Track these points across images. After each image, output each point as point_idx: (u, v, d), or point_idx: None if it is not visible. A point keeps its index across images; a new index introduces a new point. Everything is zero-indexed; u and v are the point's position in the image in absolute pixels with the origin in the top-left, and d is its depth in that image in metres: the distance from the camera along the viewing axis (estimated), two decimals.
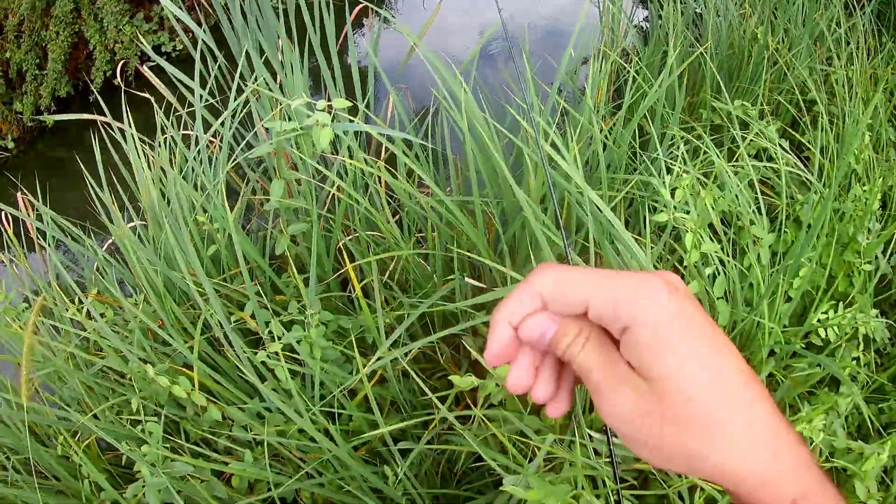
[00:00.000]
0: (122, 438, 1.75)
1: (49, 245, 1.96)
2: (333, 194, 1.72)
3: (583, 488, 1.42)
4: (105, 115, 2.08)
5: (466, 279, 1.33)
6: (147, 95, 2.30)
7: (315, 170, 1.58)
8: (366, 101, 1.86)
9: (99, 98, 2.18)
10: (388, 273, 1.63)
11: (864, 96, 2.45)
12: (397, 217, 1.72)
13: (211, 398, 1.74)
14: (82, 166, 2.19)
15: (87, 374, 1.93)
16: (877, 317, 1.92)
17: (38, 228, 2.09)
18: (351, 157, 1.58)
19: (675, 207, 1.37)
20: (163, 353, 1.87)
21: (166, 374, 1.68)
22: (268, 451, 1.66)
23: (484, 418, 1.24)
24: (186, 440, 1.77)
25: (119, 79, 2.68)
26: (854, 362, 1.85)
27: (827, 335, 1.75)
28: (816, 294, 1.75)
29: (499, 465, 1.21)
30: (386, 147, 1.85)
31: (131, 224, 2.11)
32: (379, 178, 1.59)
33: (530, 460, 1.24)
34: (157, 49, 3.64)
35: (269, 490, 1.53)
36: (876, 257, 2.03)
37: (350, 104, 1.32)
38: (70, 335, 1.98)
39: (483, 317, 1.30)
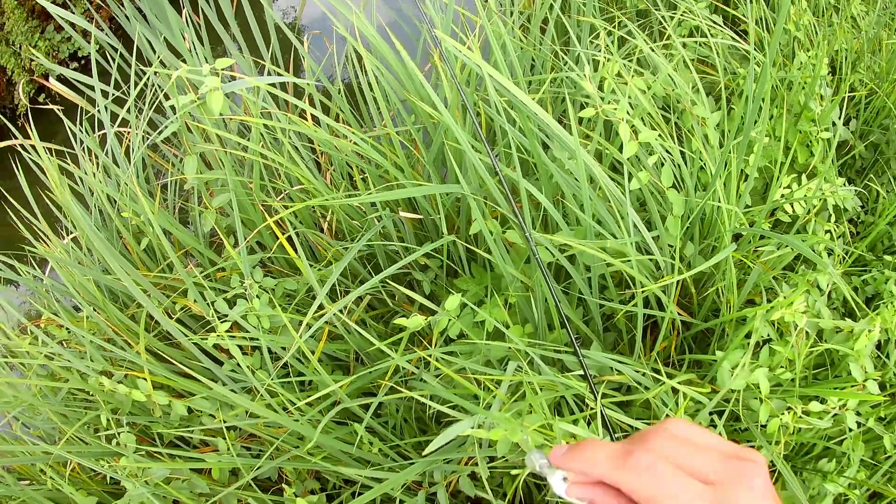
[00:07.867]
0: (100, 456, 1.70)
1: None
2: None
3: (556, 413, 1.35)
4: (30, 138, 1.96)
5: (401, 213, 1.25)
6: (55, 107, 2.18)
7: (238, 135, 1.49)
8: (270, 55, 1.76)
9: (30, 119, 2.06)
10: (326, 227, 1.55)
11: None
12: (328, 172, 1.64)
13: (179, 394, 1.67)
14: (6, 194, 2.09)
15: (55, 402, 1.87)
16: (844, 185, 1.85)
17: None
18: (270, 116, 1.48)
19: (602, 99, 1.28)
20: (120, 362, 1.80)
21: (126, 382, 1.62)
22: (241, 434, 1.60)
23: (439, 358, 1.17)
24: (161, 443, 1.71)
25: (23, 97, 2.54)
26: (827, 236, 1.78)
27: (794, 210, 1.68)
28: (777, 169, 1.67)
29: (462, 404, 1.14)
30: (316, 101, 1.76)
31: (66, 240, 2.02)
32: (298, 132, 1.50)
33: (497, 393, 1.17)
34: (74, 55, 3.52)
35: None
36: (834, 124, 1.95)
37: (233, 62, 1.22)
38: (33, 367, 1.91)
39: (426, 247, 1.22)
